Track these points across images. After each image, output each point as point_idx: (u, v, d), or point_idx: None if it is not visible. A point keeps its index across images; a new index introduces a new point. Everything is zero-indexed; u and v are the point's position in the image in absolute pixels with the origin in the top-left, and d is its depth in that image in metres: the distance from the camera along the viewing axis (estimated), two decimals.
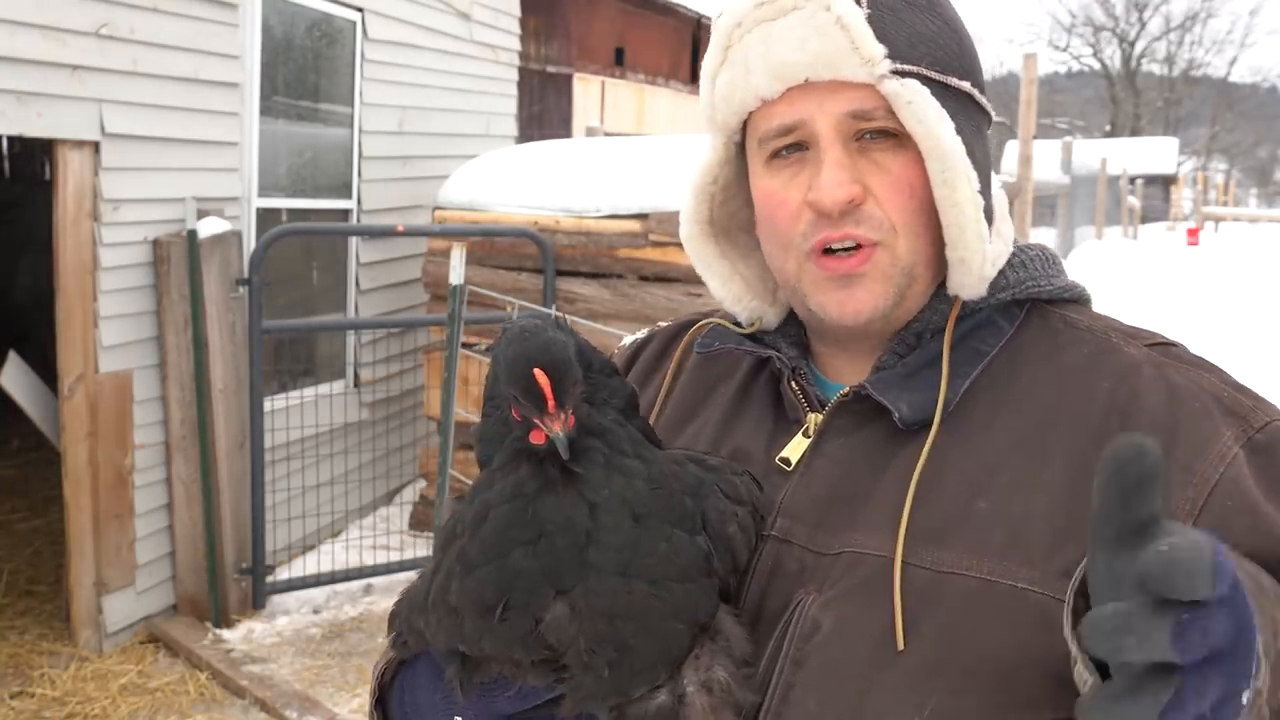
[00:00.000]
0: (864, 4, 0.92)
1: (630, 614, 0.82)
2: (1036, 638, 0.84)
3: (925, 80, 0.93)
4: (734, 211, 1.10)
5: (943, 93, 0.94)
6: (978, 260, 0.95)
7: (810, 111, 0.93)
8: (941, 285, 1.00)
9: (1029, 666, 0.83)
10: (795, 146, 0.96)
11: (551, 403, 0.81)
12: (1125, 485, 0.61)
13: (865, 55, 0.91)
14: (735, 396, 1.08)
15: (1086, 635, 0.61)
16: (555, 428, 0.81)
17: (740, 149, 1.04)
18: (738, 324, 1.11)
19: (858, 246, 0.94)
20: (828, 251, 0.95)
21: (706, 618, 0.86)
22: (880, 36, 0.91)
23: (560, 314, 1.24)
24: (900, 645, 0.85)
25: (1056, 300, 1.02)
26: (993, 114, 1.04)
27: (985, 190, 0.96)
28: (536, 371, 0.81)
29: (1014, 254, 1.03)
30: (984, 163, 0.97)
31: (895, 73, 0.91)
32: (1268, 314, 11.67)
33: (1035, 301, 1.02)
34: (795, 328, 1.09)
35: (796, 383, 1.03)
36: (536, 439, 0.83)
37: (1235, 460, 0.87)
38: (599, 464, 0.84)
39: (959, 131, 0.93)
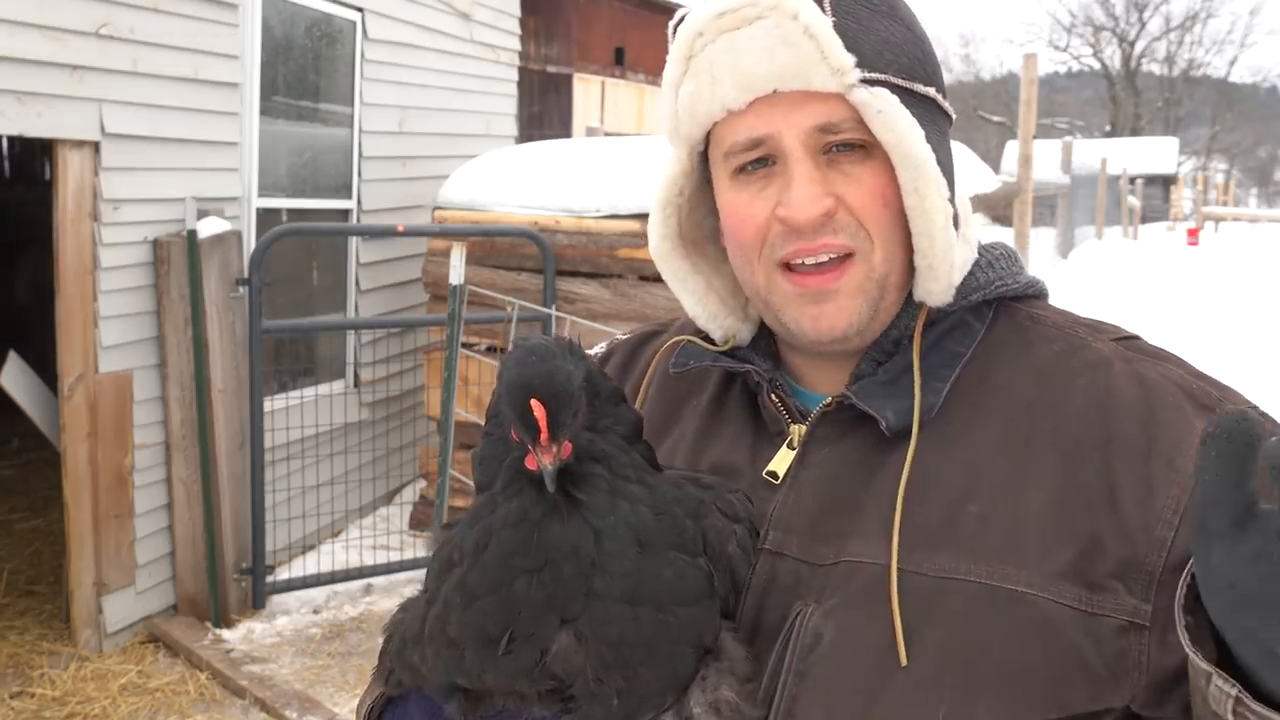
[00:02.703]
0: (829, 11, 0.91)
1: (638, 641, 0.81)
2: (1039, 642, 0.84)
3: (893, 88, 0.92)
4: (700, 221, 1.08)
5: (909, 99, 0.93)
6: (945, 267, 0.95)
7: (778, 125, 0.92)
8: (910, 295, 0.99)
9: (1034, 670, 0.84)
10: (761, 161, 0.95)
11: (544, 435, 0.80)
12: (1238, 462, 0.60)
13: (835, 65, 0.89)
14: (708, 411, 1.06)
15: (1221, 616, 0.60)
16: (545, 460, 0.80)
17: (703, 158, 1.03)
18: (706, 336, 1.09)
19: (832, 259, 0.93)
20: (795, 267, 0.94)
21: (711, 640, 0.85)
22: (848, 45, 0.90)
23: (568, 323, 1.23)
24: (902, 654, 0.85)
25: (1020, 296, 1.03)
26: (953, 116, 1.03)
27: (951, 196, 0.95)
28: (533, 402, 0.80)
29: (981, 253, 1.03)
30: (949, 168, 0.97)
31: (865, 82, 0.90)
32: (1268, 314, 11.67)
33: (1001, 299, 1.02)
34: (765, 338, 1.08)
35: (775, 395, 1.02)
36: (530, 465, 0.82)
37: None
38: (603, 490, 0.84)
39: (928, 139, 0.92)
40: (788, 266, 0.94)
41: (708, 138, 1.00)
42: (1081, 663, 0.84)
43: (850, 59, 0.90)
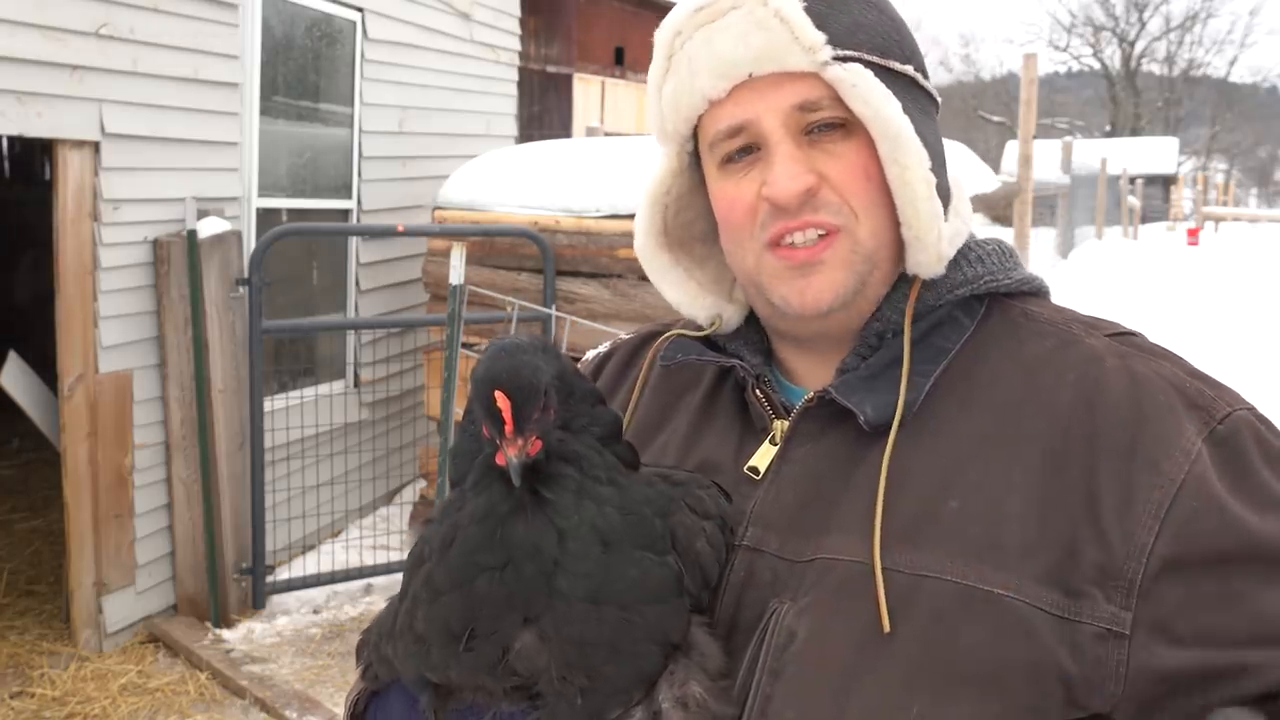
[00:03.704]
0: None
1: (600, 640, 0.81)
2: (1016, 644, 0.83)
3: (868, 65, 0.93)
4: (688, 223, 1.10)
5: (887, 77, 0.94)
6: (933, 238, 0.95)
7: (757, 110, 0.94)
8: (901, 278, 0.99)
9: (1009, 673, 0.83)
10: (746, 150, 0.96)
11: (509, 427, 0.81)
12: None
13: (806, 44, 0.91)
14: (701, 407, 1.07)
15: None
16: (510, 453, 0.81)
17: (693, 158, 1.04)
18: (699, 328, 1.10)
19: (820, 236, 0.94)
20: (783, 245, 0.95)
21: (679, 637, 0.85)
22: (819, 25, 0.92)
23: (568, 323, 1.24)
24: (885, 623, 0.85)
25: (1015, 294, 1.02)
26: (939, 98, 1.04)
27: (939, 170, 0.96)
28: (498, 394, 0.81)
29: (972, 248, 1.02)
30: (935, 144, 0.97)
31: (837, 59, 0.92)
32: (1268, 314, 11.66)
33: (995, 296, 1.01)
34: (757, 333, 1.08)
35: (761, 390, 1.02)
36: (499, 460, 0.82)
37: (1199, 457, 0.87)
38: (570, 490, 0.84)
39: (906, 111, 0.93)
40: (777, 245, 0.95)
41: (696, 136, 1.01)
42: (1058, 668, 0.83)
43: (821, 37, 0.92)
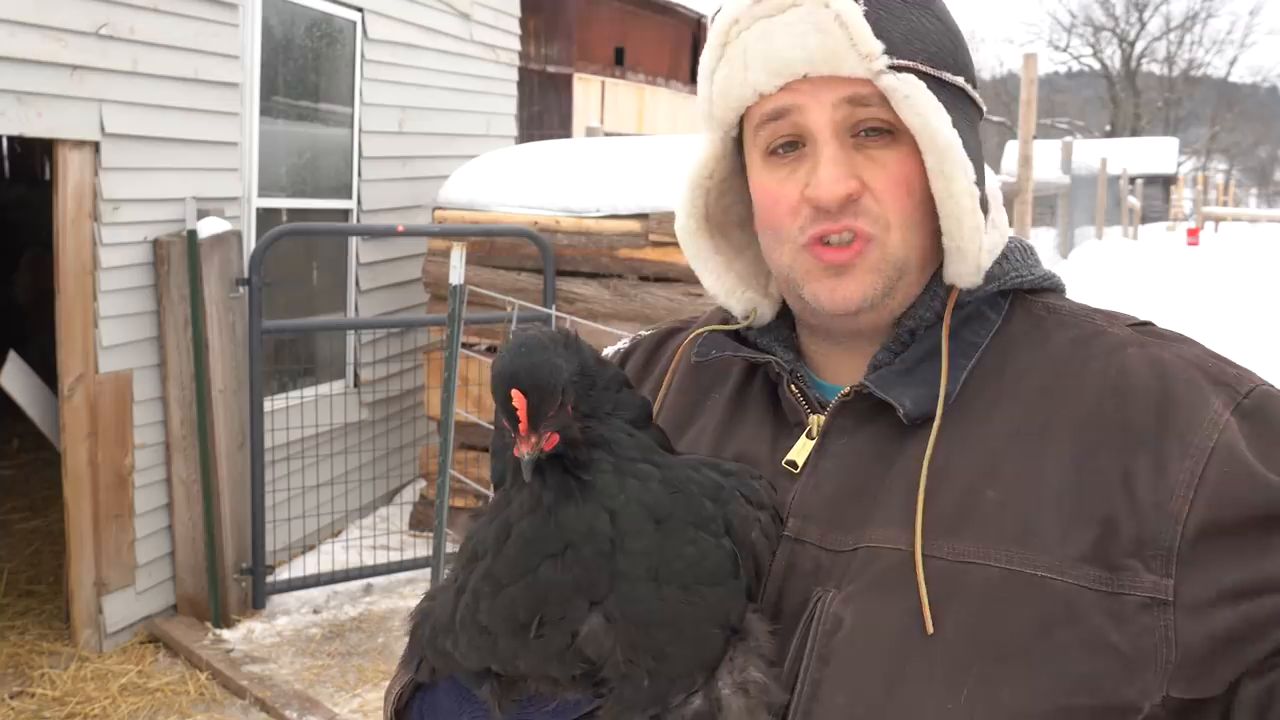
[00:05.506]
0: (861, 1, 0.94)
1: (665, 621, 0.82)
2: (1060, 624, 0.85)
3: (921, 75, 0.94)
4: (729, 206, 1.11)
5: (938, 87, 0.96)
6: (973, 250, 0.97)
7: (806, 101, 0.95)
8: (934, 279, 1.01)
9: (1058, 649, 0.85)
10: (792, 145, 0.97)
11: (524, 425, 0.82)
12: None
13: (863, 51, 0.92)
14: (731, 402, 1.08)
15: None
16: (524, 449, 0.82)
17: (737, 144, 1.05)
18: (727, 320, 1.12)
19: (854, 239, 0.96)
20: (824, 243, 0.97)
21: (738, 620, 0.86)
22: (877, 32, 0.93)
23: (568, 322, 1.25)
24: (928, 622, 0.87)
25: (1037, 290, 1.05)
26: (984, 108, 1.06)
27: (980, 181, 0.98)
28: (514, 392, 0.82)
29: None
30: (977, 155, 0.99)
31: (892, 68, 0.93)
32: (1268, 314, 11.67)
33: (1018, 292, 1.04)
34: (787, 330, 1.10)
35: (795, 385, 1.03)
36: (516, 453, 0.84)
37: (1228, 426, 0.89)
38: (608, 472, 0.85)
39: (954, 125, 0.95)
40: (814, 243, 0.97)
41: (741, 124, 1.03)
42: (1105, 643, 0.85)
43: (879, 45, 0.92)
